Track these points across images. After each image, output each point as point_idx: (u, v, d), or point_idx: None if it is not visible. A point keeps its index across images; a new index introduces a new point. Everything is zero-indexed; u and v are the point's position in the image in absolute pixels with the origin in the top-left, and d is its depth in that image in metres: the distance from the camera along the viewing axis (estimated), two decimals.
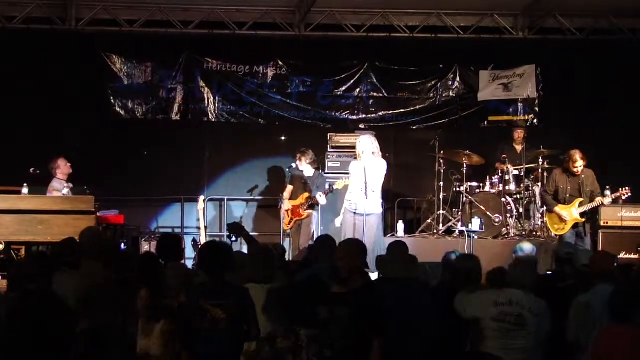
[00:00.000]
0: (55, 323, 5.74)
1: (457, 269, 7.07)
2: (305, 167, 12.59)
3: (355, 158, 11.15)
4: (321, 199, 12.25)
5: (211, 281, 6.06)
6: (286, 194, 12.69)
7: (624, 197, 11.39)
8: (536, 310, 6.28)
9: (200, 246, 12.20)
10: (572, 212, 11.30)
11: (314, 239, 10.48)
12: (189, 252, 12.60)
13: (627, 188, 11.28)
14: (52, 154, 12.10)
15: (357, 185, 10.83)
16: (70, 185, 11.67)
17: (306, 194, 12.45)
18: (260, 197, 14.39)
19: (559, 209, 11.38)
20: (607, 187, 11.49)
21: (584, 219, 11.35)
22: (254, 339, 5.93)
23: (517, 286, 6.42)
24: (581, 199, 11.32)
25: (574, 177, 11.38)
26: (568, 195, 11.40)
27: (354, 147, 11.55)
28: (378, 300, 6.20)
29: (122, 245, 11.65)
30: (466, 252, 10.90)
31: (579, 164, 11.24)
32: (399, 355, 6.22)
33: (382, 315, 6.10)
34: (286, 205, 12.56)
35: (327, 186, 12.33)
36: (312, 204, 12.40)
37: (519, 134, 13.43)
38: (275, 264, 6.97)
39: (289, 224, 12.56)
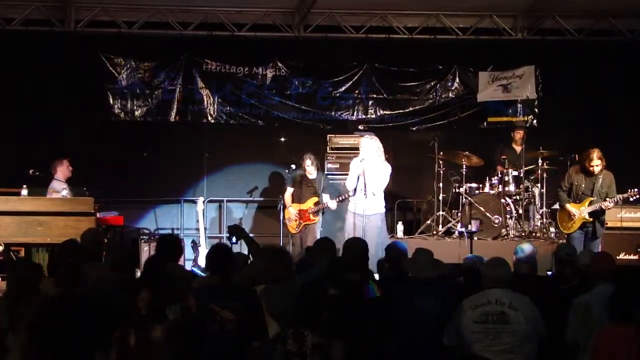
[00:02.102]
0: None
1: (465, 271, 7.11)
2: (312, 170, 12.59)
3: (356, 157, 11.19)
4: (332, 204, 12.25)
5: (218, 283, 6.07)
6: (288, 196, 12.66)
7: (631, 199, 11.30)
8: (517, 305, 6.27)
9: (199, 247, 12.25)
10: (581, 211, 11.25)
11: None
12: (189, 254, 12.62)
13: (635, 190, 11.17)
14: (58, 155, 12.04)
15: (354, 183, 10.87)
16: (68, 186, 11.63)
17: (315, 198, 12.43)
18: (259, 199, 14.39)
19: (569, 205, 11.33)
20: None
21: (592, 219, 11.28)
22: (263, 340, 5.93)
23: (492, 285, 6.42)
24: (592, 199, 11.22)
25: (590, 177, 11.27)
26: (580, 193, 11.32)
27: (353, 148, 11.59)
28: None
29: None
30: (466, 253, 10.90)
31: (595, 163, 11.09)
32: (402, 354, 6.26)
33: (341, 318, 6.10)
34: (293, 209, 12.53)
35: (333, 191, 12.34)
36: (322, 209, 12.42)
37: (519, 134, 13.40)
38: (291, 264, 6.98)
39: (297, 228, 12.53)
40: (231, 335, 5.87)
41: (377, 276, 7.92)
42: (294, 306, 5.64)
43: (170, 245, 7.57)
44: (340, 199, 12.11)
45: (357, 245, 7.38)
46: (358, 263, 7.00)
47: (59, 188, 11.53)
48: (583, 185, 11.30)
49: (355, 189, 11.11)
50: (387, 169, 11.05)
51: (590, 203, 11.20)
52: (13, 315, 6.22)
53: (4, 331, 6.25)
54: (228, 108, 14.42)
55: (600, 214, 11.24)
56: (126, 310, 6.13)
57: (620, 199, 11.21)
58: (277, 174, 14.09)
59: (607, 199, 11.15)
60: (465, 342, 6.29)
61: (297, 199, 12.56)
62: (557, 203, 11.71)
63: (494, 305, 6.26)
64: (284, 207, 12.68)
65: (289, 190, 12.70)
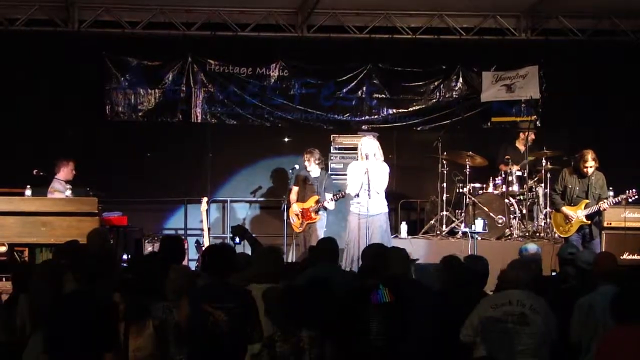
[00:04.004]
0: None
1: (465, 270, 7.09)
2: (313, 167, 12.60)
3: (356, 159, 11.19)
4: (329, 204, 12.26)
5: (213, 283, 6.06)
6: (293, 196, 12.68)
7: (630, 200, 11.29)
8: (537, 308, 6.27)
9: (203, 248, 12.25)
10: (578, 214, 11.24)
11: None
12: (192, 254, 12.63)
13: (633, 190, 11.17)
14: (62, 154, 12.03)
15: (357, 185, 10.84)
16: (70, 187, 11.64)
17: (316, 197, 12.44)
18: (263, 199, 14.40)
19: (566, 208, 11.32)
20: (610, 188, 11.43)
21: (589, 222, 11.28)
22: (257, 340, 5.93)
23: (513, 286, 6.41)
24: (587, 201, 11.22)
25: (584, 179, 11.27)
26: (575, 196, 11.30)
27: (357, 149, 11.56)
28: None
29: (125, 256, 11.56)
30: (469, 253, 10.90)
31: (589, 165, 11.10)
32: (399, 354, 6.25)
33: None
34: (295, 207, 12.54)
35: (335, 189, 12.34)
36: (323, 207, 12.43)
37: (528, 134, 13.26)
38: (282, 264, 6.98)
39: (300, 227, 12.54)
40: (225, 336, 5.86)
41: None
42: (288, 305, 5.63)
43: (173, 245, 7.58)
44: (337, 197, 12.11)
45: (374, 250, 7.44)
46: (375, 268, 7.02)
47: (62, 188, 11.53)
48: (577, 188, 11.30)
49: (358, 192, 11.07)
50: (386, 168, 11.06)
51: (586, 205, 11.20)
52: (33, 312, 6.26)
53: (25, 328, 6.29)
54: (231, 108, 14.42)
55: (596, 215, 11.25)
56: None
57: (619, 199, 11.20)
58: (281, 174, 14.09)
59: (605, 200, 11.15)
60: (483, 342, 6.28)
61: (300, 197, 12.59)
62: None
63: (514, 306, 6.26)
64: (288, 206, 12.68)
65: (294, 189, 12.72)
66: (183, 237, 12.59)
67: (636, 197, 11.23)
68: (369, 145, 10.98)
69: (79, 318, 5.66)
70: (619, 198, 11.21)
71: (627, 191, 11.19)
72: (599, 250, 10.79)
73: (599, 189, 11.25)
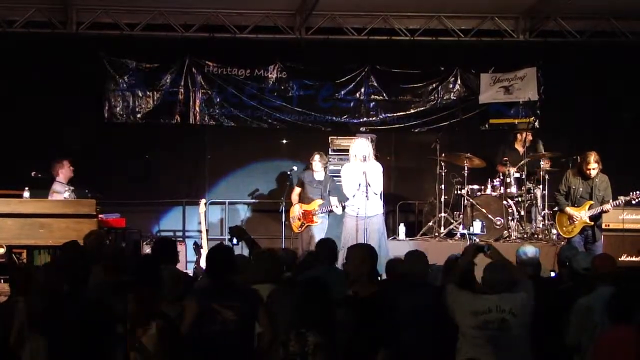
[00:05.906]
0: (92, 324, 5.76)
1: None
2: (319, 167, 12.59)
3: (349, 161, 11.19)
4: (337, 209, 12.23)
5: (220, 283, 6.08)
6: (295, 196, 12.66)
7: (634, 202, 11.27)
8: (516, 310, 6.23)
9: (201, 249, 12.24)
10: (581, 214, 11.24)
11: None
12: (191, 256, 12.63)
13: (637, 192, 11.14)
14: (57, 156, 12.03)
15: (354, 187, 10.83)
16: (72, 187, 11.64)
17: (319, 201, 12.42)
18: (261, 201, 14.39)
19: (570, 209, 11.32)
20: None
21: (592, 223, 11.28)
22: (265, 339, 5.95)
23: (492, 291, 6.38)
24: (591, 202, 11.22)
25: (587, 180, 11.27)
26: (579, 197, 11.31)
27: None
28: (389, 310, 6.22)
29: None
30: None
31: (592, 167, 11.10)
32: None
33: (391, 326, 6.10)
34: (297, 208, 12.53)
35: (339, 194, 12.33)
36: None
37: (525, 135, 13.28)
38: (280, 265, 6.99)
39: (300, 228, 12.53)
40: (233, 335, 5.87)
41: (384, 277, 7.97)
42: (294, 307, 5.65)
43: (165, 247, 7.58)
44: (344, 204, 12.10)
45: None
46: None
47: (61, 189, 11.53)
48: (581, 189, 11.31)
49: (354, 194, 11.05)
50: (380, 168, 11.09)
51: (590, 207, 11.21)
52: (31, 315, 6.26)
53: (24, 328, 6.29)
54: (230, 110, 14.43)
55: (599, 217, 11.25)
56: (120, 313, 6.14)
57: (622, 201, 11.20)
58: (279, 176, 14.10)
59: (610, 202, 11.15)
60: (465, 346, 6.27)
61: (302, 199, 12.58)
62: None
63: (495, 313, 6.21)
64: (288, 207, 12.66)
65: (296, 190, 12.70)
66: (175, 240, 12.57)
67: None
68: (363, 146, 10.98)
69: (70, 319, 5.67)
70: (622, 200, 11.20)
71: (631, 193, 11.19)
72: (600, 252, 10.79)
73: (602, 191, 11.24)
